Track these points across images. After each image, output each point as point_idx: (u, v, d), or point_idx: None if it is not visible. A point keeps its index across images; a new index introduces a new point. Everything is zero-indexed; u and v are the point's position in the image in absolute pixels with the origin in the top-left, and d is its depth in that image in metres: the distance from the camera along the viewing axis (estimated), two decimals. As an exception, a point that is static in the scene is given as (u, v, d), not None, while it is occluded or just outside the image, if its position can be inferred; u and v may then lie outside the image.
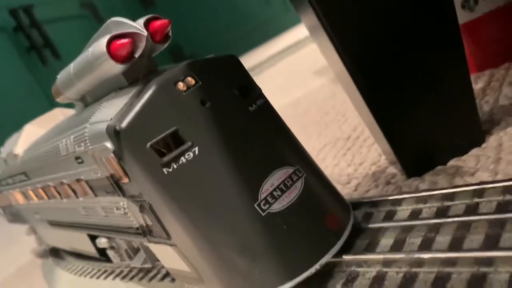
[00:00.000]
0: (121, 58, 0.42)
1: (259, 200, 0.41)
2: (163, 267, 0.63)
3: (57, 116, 0.80)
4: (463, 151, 0.59)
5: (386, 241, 0.43)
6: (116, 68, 0.43)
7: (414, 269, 0.37)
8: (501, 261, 0.33)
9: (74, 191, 0.60)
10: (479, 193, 0.42)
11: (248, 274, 0.41)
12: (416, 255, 0.38)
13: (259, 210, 0.40)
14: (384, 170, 0.66)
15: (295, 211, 0.41)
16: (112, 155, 0.42)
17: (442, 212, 0.43)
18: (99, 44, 0.43)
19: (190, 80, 0.42)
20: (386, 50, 0.55)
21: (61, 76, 0.53)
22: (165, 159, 0.40)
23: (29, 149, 0.73)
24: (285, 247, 0.40)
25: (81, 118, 0.51)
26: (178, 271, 0.49)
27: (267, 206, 0.41)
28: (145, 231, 0.48)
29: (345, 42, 0.54)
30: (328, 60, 0.69)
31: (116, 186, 0.47)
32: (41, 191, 0.76)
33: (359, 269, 0.41)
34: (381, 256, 0.40)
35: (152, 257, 0.60)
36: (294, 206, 0.42)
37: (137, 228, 0.49)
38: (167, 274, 0.62)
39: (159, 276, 0.63)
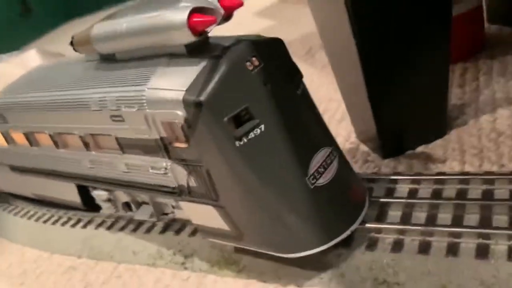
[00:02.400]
0: (198, 32, 0.45)
1: (309, 175, 0.48)
2: (161, 220, 0.67)
3: (34, 57, 0.75)
4: (428, 140, 0.71)
5: (394, 213, 0.53)
6: (188, 38, 0.45)
7: (427, 238, 0.48)
8: (499, 237, 0.45)
9: (86, 143, 0.60)
10: (466, 181, 0.54)
11: (294, 233, 0.48)
12: (427, 228, 0.48)
13: (309, 183, 0.47)
14: (357, 147, 0.77)
15: (334, 185, 0.49)
16: (179, 121, 0.45)
17: (437, 194, 0.54)
18: (178, 13, 0.44)
19: (255, 61, 0.46)
20: (391, 21, 0.58)
21: (101, 29, 0.52)
22: (239, 133, 0.44)
23: (12, 91, 0.69)
24: (326, 215, 0.48)
25: (125, 78, 0.51)
26: (211, 229, 0.54)
27: (314, 180, 0.48)
28: (183, 191, 0.52)
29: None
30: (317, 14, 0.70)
31: (163, 148, 0.50)
32: (16, 135, 0.72)
33: (378, 235, 0.51)
34: (394, 226, 0.51)
35: (159, 212, 0.64)
36: (333, 181, 0.49)
37: (174, 188, 0.53)
38: (167, 227, 0.65)
39: (156, 228, 0.66)
